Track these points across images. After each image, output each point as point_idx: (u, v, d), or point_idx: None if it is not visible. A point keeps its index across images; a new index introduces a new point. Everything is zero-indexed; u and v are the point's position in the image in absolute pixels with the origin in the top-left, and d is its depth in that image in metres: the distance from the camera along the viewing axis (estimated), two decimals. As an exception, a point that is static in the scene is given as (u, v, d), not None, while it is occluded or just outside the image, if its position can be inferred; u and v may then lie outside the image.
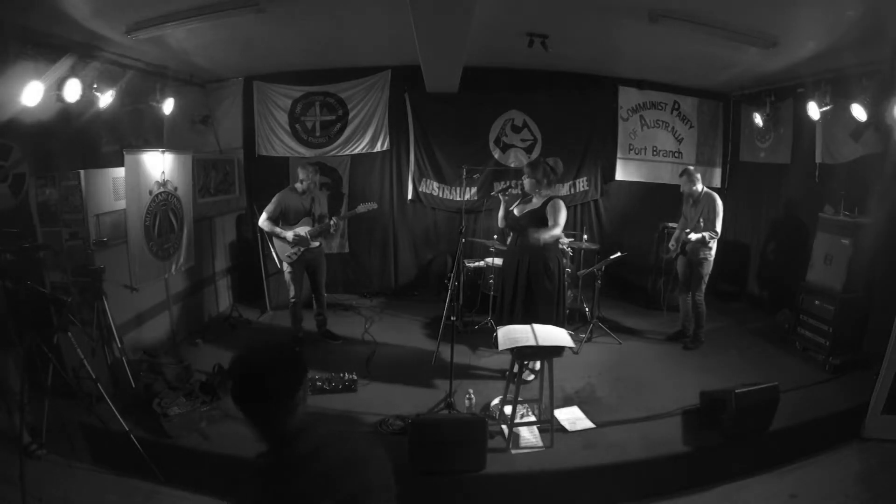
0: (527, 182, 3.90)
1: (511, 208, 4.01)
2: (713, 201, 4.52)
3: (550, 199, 3.85)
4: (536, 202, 3.86)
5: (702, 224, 4.48)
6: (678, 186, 4.90)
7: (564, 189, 6.33)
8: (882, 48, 3.63)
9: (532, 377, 3.99)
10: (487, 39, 4.51)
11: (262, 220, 4.49)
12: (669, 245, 4.94)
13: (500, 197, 4.09)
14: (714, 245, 4.54)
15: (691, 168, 4.81)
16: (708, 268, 4.60)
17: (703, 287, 4.67)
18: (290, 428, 1.30)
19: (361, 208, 4.62)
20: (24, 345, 2.90)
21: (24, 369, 2.90)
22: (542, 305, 3.84)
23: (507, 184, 4.03)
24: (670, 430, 3.45)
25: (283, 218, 4.52)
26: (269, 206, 4.50)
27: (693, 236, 4.51)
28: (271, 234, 4.60)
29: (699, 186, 4.65)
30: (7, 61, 3.23)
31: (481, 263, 5.47)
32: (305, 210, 4.53)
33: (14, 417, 2.90)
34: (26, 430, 2.95)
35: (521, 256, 3.86)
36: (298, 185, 4.50)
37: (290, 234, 4.45)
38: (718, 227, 4.48)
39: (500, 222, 4.12)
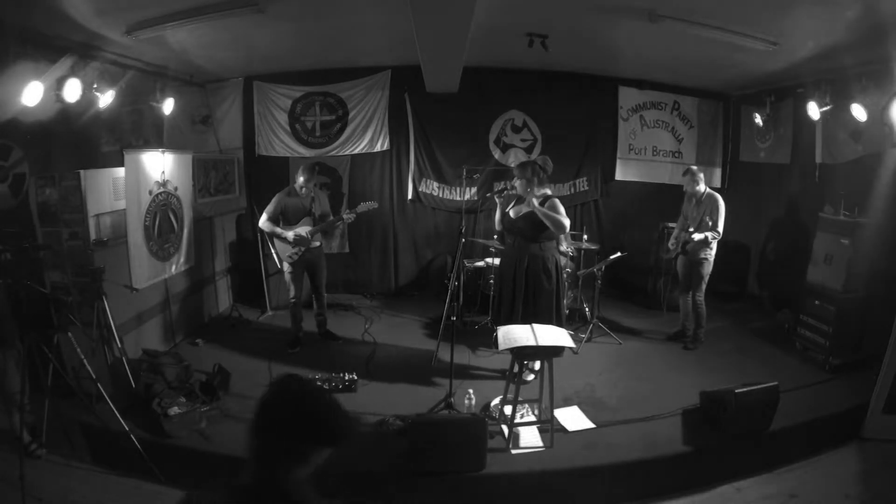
0: (518, 184, 3.85)
1: (507, 210, 3.96)
2: (715, 202, 4.51)
3: (546, 198, 3.81)
4: (531, 203, 3.81)
5: (708, 223, 4.47)
6: (678, 186, 4.90)
7: (565, 189, 6.33)
8: (882, 48, 3.63)
9: (532, 377, 3.99)
10: (487, 39, 4.51)
11: (263, 221, 4.49)
12: (669, 245, 4.94)
13: (497, 199, 4.04)
14: (714, 245, 4.54)
15: (695, 168, 4.80)
16: (708, 268, 4.60)
17: (704, 287, 4.67)
18: (286, 485, 1.17)
19: (362, 207, 4.61)
20: (24, 345, 2.90)
21: (23, 369, 2.90)
22: (543, 306, 3.83)
23: (504, 185, 3.98)
24: (670, 430, 3.45)
25: (283, 218, 4.52)
26: (269, 207, 4.50)
27: (696, 236, 4.49)
28: (272, 235, 4.60)
29: (702, 187, 4.64)
30: (7, 61, 3.24)
31: (481, 263, 5.47)
32: (305, 210, 4.53)
33: (14, 417, 2.90)
34: (26, 430, 2.95)
35: (520, 258, 3.84)
36: (298, 186, 4.50)
37: (290, 234, 4.45)
38: (720, 228, 4.47)
39: (497, 225, 4.08)
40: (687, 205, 4.81)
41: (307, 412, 1.20)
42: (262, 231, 5.62)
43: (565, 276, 4.92)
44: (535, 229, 3.78)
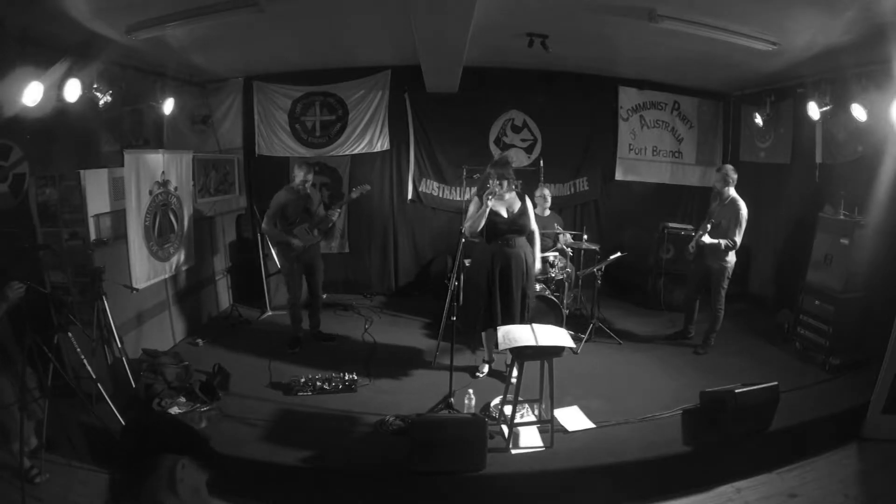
0: (505, 183, 3.80)
1: (497, 211, 3.81)
2: (737, 211, 4.37)
3: (522, 195, 3.91)
4: (516, 202, 3.87)
5: (709, 227, 4.39)
6: (678, 186, 4.86)
7: (565, 189, 6.34)
8: (882, 48, 3.63)
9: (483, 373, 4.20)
10: (487, 39, 4.51)
11: (265, 225, 4.47)
12: (690, 246, 4.72)
13: (487, 201, 3.74)
14: (732, 253, 4.46)
15: (729, 167, 4.58)
16: (728, 274, 4.53)
17: (723, 293, 4.59)
18: None
19: (355, 192, 4.60)
20: (24, 345, 2.90)
21: (23, 371, 2.90)
22: (530, 298, 3.90)
23: (496, 187, 3.80)
24: (670, 430, 3.44)
25: (283, 216, 4.50)
26: (270, 210, 4.47)
27: (707, 240, 4.40)
28: (275, 238, 4.55)
29: (730, 190, 4.49)
30: (7, 61, 3.24)
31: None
32: (304, 208, 4.53)
33: (14, 418, 2.89)
34: (26, 455, 2.92)
35: (517, 255, 3.80)
36: (298, 181, 4.48)
37: (295, 242, 4.45)
38: (738, 238, 4.37)
39: (477, 229, 3.77)
40: (713, 204, 4.69)
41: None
42: (262, 231, 5.63)
43: (564, 276, 4.94)
44: (527, 227, 3.87)
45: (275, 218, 4.46)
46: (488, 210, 3.74)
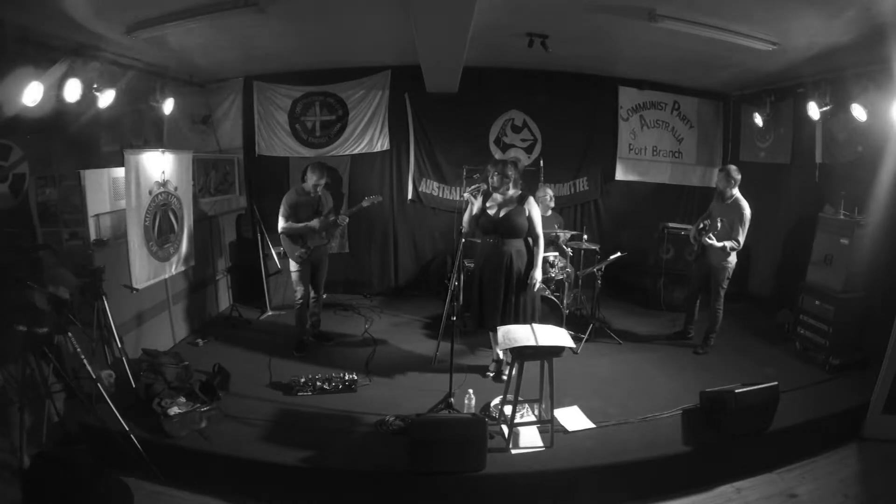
0: (497, 179, 3.79)
1: (486, 209, 3.83)
2: (741, 212, 4.34)
3: (523, 196, 3.81)
4: (511, 202, 3.80)
5: (719, 226, 4.37)
6: (678, 186, 4.84)
7: (565, 189, 6.34)
8: (882, 48, 3.63)
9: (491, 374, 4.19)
10: (487, 39, 4.51)
11: (281, 224, 4.40)
12: (692, 237, 4.74)
13: (472, 198, 3.85)
14: (734, 254, 4.46)
15: (732, 168, 4.51)
16: (728, 274, 4.53)
17: (722, 294, 4.59)
18: None
19: (367, 202, 4.60)
20: (24, 345, 2.90)
21: (23, 370, 2.90)
22: (529, 303, 3.84)
23: (480, 184, 3.80)
24: (670, 430, 3.44)
25: (294, 217, 4.44)
26: (283, 210, 4.41)
27: (713, 242, 4.38)
28: (292, 232, 4.46)
29: (733, 190, 4.45)
30: (7, 61, 3.24)
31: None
32: (314, 209, 4.51)
33: (14, 417, 2.90)
34: (27, 454, 2.92)
35: (504, 255, 3.77)
36: (311, 185, 4.44)
37: (315, 222, 4.41)
38: (741, 238, 4.36)
39: (468, 225, 3.90)
40: (715, 204, 4.66)
41: None
42: (262, 231, 5.63)
43: (564, 276, 4.94)
44: (518, 228, 3.78)
45: (288, 218, 4.42)
46: (473, 206, 3.82)
